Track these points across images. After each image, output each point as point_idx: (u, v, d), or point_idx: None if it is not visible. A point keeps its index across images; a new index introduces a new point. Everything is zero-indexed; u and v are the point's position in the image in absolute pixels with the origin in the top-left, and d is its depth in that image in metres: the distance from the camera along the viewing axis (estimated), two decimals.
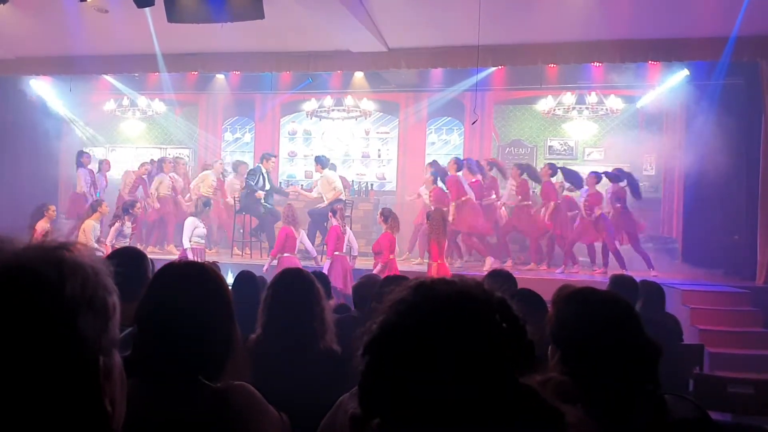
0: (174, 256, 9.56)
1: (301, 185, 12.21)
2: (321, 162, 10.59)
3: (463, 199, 9.62)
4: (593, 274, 9.19)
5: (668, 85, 10.59)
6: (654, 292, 5.03)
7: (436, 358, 0.95)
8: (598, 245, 9.58)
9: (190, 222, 9.19)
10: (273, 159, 11.03)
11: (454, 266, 9.28)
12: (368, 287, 4.15)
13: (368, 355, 1.01)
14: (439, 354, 0.95)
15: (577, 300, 1.84)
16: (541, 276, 8.81)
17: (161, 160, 11.69)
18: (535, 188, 10.14)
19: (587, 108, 11.25)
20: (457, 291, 1.01)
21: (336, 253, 8.59)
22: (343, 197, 10.47)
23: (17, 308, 0.80)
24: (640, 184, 10.04)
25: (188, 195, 11.23)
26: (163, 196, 11.07)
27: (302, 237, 9.30)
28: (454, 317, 0.97)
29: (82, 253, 0.88)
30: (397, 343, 0.98)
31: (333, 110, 12.12)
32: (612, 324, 1.77)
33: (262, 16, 7.34)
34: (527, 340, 1.01)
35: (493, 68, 10.33)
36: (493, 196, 10.29)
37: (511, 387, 0.96)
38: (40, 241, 0.88)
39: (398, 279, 3.03)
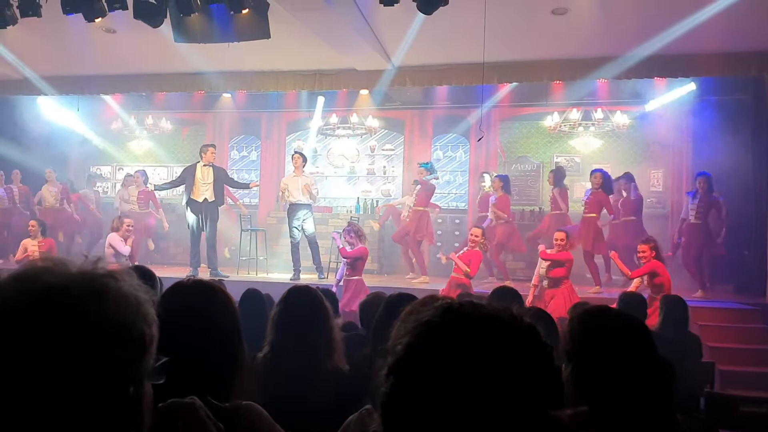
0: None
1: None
2: (305, 159, 10.05)
3: None
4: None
5: (675, 101, 10.54)
6: (678, 307, 4.96)
7: (463, 383, 0.92)
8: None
9: None
10: (211, 149, 9.89)
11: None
12: (375, 305, 4.13)
13: (393, 377, 0.98)
14: (467, 380, 0.92)
15: (589, 319, 1.83)
16: None
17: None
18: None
19: (593, 124, 11.26)
20: (485, 315, 0.98)
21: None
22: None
23: (48, 329, 0.81)
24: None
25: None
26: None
27: None
28: (483, 343, 0.94)
29: (128, 283, 0.90)
30: (423, 366, 0.95)
31: (338, 128, 12.15)
32: (624, 343, 1.76)
33: (268, 36, 7.37)
34: (555, 367, 0.98)
35: (499, 85, 10.35)
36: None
37: (541, 419, 0.93)
38: (91, 266, 0.89)
39: (407, 297, 3.01)
